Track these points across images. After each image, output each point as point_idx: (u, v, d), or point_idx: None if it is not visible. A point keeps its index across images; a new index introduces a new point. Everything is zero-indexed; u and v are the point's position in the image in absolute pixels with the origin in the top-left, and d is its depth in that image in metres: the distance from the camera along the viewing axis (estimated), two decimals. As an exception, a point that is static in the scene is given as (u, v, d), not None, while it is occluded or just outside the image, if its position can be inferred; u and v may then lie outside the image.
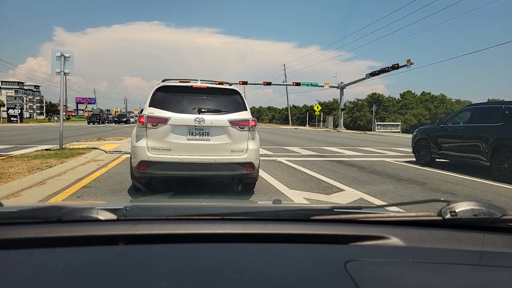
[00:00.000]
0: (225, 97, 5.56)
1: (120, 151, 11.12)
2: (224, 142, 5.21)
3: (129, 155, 5.86)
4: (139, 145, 5.10)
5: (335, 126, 49.14)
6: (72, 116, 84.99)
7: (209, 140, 5.18)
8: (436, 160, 10.06)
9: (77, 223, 0.98)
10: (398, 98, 60.04)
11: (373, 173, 8.35)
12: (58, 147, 11.05)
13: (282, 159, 10.42)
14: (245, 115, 5.41)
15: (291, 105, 74.27)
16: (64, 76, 10.76)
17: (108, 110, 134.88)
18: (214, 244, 0.94)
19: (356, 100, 59.86)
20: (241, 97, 5.63)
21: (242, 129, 5.27)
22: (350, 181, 7.16)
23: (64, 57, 10.60)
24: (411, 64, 35.25)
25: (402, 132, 42.16)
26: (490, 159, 8.06)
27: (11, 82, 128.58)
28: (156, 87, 5.48)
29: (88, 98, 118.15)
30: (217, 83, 5.86)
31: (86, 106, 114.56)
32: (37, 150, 10.61)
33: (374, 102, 51.40)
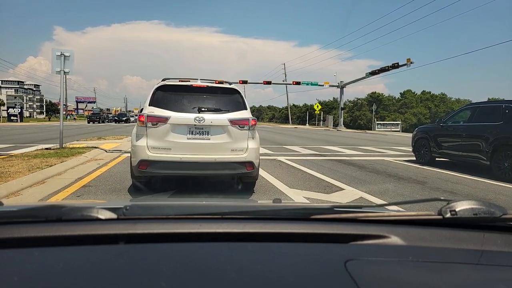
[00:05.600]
0: (225, 96, 5.55)
1: (120, 150, 11.12)
2: (224, 141, 5.21)
3: (129, 154, 5.86)
4: (139, 144, 5.10)
5: (335, 125, 49.12)
6: (71, 115, 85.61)
7: (209, 139, 5.18)
8: (436, 159, 10.06)
9: (77, 222, 0.98)
10: (398, 97, 59.83)
11: (373, 172, 8.35)
12: (58, 146, 11.06)
13: (282, 158, 10.42)
14: (245, 114, 5.41)
15: (291, 104, 74.30)
16: (64, 75, 10.75)
17: (108, 109, 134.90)
18: (214, 243, 0.94)
19: (356, 99, 59.71)
20: (241, 96, 5.63)
21: (242, 128, 5.27)
22: (350, 180, 7.16)
23: (64, 56, 10.60)
24: (411, 63, 35.21)
25: (402, 131, 42.12)
26: (490, 158, 8.06)
27: (11, 81, 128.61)
28: (156, 86, 5.48)
29: (88, 97, 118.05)
30: (217, 82, 5.86)
31: (86, 105, 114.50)
32: (37, 149, 10.62)
33: (374, 101, 51.27)
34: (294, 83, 47.83)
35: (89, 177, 6.73)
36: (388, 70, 38.14)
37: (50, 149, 10.71)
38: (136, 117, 6.34)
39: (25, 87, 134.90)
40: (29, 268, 0.79)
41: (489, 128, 8.28)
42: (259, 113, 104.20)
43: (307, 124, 60.75)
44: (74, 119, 79.98)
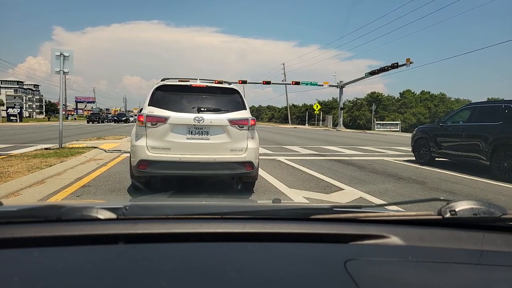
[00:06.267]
0: (225, 96, 5.55)
1: (120, 150, 11.11)
2: (223, 141, 5.21)
3: (128, 154, 5.86)
4: (139, 144, 5.10)
5: (335, 125, 49.12)
6: (72, 115, 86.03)
7: (208, 139, 5.18)
8: (436, 159, 10.07)
9: (76, 222, 0.98)
10: (398, 97, 59.85)
11: (372, 172, 8.35)
12: (58, 146, 11.05)
13: (282, 158, 10.42)
14: (245, 114, 5.41)
15: (291, 104, 74.29)
16: (64, 75, 10.75)
17: (107, 109, 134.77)
18: (213, 243, 0.94)
19: (355, 99, 59.73)
20: (241, 96, 5.63)
21: (242, 128, 5.27)
22: (350, 180, 7.17)
23: (64, 56, 10.59)
24: (411, 63, 35.22)
25: (402, 131, 42.14)
26: (489, 158, 8.07)
27: (10, 81, 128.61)
28: (156, 86, 5.48)
29: (88, 97, 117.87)
30: (216, 82, 5.86)
31: (86, 105, 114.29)
32: (37, 149, 10.61)
33: (373, 101, 51.29)
34: (293, 83, 47.82)
35: (88, 177, 6.72)
36: (387, 70, 38.15)
37: (49, 149, 10.70)
38: (136, 117, 6.34)
39: (25, 87, 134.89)
40: (29, 268, 0.79)
41: (488, 128, 8.28)
42: (259, 113, 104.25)
43: (307, 124, 60.76)
44: (75, 119, 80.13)
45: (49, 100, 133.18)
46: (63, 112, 12.31)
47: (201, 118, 5.11)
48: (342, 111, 47.23)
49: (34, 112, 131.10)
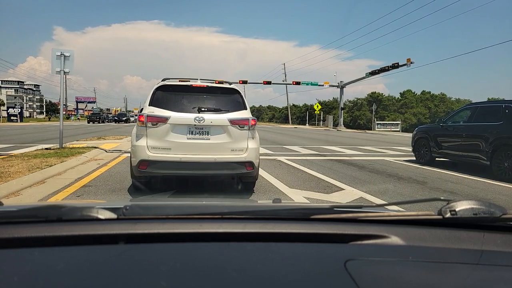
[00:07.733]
0: (225, 96, 5.55)
1: (120, 150, 11.11)
2: (224, 141, 5.21)
3: (129, 154, 5.86)
4: (139, 144, 5.10)
5: (335, 125, 49.10)
6: (75, 115, 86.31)
7: (209, 139, 5.18)
8: (436, 159, 10.07)
9: (77, 222, 0.98)
10: (398, 97, 59.73)
11: (373, 172, 8.35)
12: (58, 146, 11.06)
13: (282, 158, 10.42)
14: (245, 114, 5.41)
15: (291, 104, 74.29)
16: (64, 75, 10.75)
17: (108, 109, 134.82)
18: (214, 243, 0.94)
19: (356, 99, 59.68)
20: (241, 96, 5.63)
21: (242, 128, 5.27)
22: (350, 180, 7.16)
23: (64, 56, 10.60)
24: (411, 63, 35.19)
25: (402, 131, 42.11)
26: (490, 158, 8.06)
27: (11, 81, 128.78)
28: (156, 86, 5.48)
29: (88, 97, 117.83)
30: (217, 82, 5.86)
31: (86, 105, 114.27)
32: (37, 149, 10.62)
33: (374, 101, 51.22)
34: (294, 83, 47.80)
35: (89, 177, 6.73)
36: (388, 70, 38.13)
37: (50, 149, 10.70)
38: (136, 117, 6.34)
39: (25, 87, 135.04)
40: (29, 268, 0.79)
41: (489, 128, 8.28)
42: (259, 113, 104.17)
43: (307, 124, 60.74)
44: (78, 119, 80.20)
45: (49, 100, 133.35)
46: (64, 112, 12.30)
47: (201, 118, 5.11)
48: (342, 111, 47.22)
49: (35, 112, 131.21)
